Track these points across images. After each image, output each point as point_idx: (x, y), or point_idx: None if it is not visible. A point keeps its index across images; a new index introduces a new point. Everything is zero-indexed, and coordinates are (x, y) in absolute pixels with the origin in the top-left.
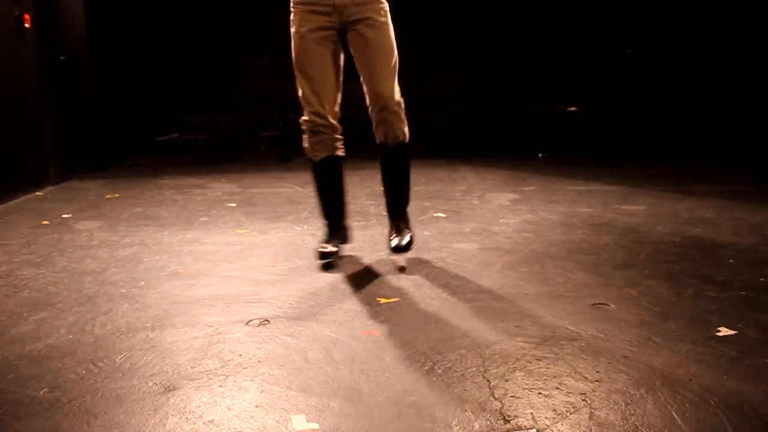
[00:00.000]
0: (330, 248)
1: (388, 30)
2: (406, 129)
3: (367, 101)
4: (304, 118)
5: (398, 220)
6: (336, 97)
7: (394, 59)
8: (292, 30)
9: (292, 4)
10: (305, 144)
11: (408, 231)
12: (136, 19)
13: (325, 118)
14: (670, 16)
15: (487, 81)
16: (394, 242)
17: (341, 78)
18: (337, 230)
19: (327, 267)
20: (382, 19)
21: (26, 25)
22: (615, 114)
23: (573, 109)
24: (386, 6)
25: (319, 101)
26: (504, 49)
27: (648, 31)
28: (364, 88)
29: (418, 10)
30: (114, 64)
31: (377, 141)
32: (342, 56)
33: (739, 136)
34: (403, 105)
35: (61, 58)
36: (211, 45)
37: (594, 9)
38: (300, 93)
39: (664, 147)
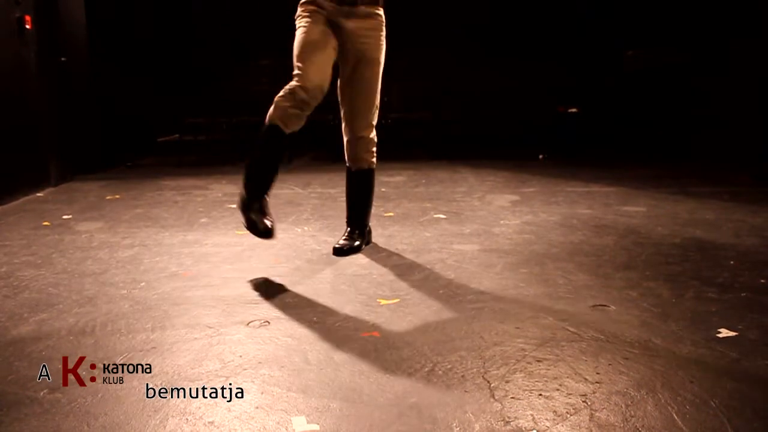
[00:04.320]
0: (268, 223)
1: (379, 73)
2: (373, 159)
3: (343, 127)
4: (295, 85)
5: (354, 227)
6: (329, 79)
7: (377, 102)
8: (299, 27)
9: (299, 13)
10: (277, 108)
11: (359, 238)
12: (137, 21)
13: (305, 90)
14: (671, 16)
15: (488, 82)
16: (338, 243)
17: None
18: (262, 201)
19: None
20: (382, 60)
21: (27, 27)
22: (615, 115)
23: (573, 110)
24: (384, 46)
25: (317, 78)
26: (504, 49)
27: (648, 31)
28: (342, 112)
29: (418, 11)
30: (114, 65)
31: (346, 163)
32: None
33: (739, 136)
34: (375, 138)
35: (62, 59)
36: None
37: (594, 10)
38: (297, 67)
39: (664, 148)
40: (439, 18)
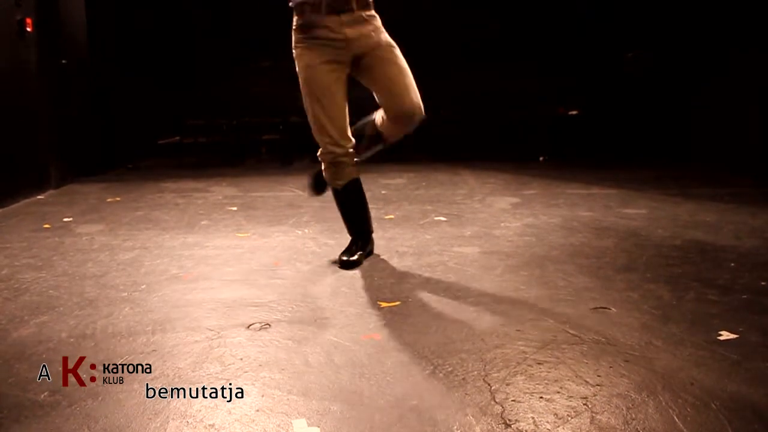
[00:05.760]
0: (356, 257)
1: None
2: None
3: (392, 112)
4: (323, 151)
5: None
6: (348, 123)
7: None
8: (302, 63)
9: (296, 40)
10: (326, 174)
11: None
12: (138, 23)
13: (345, 148)
14: (671, 17)
15: (489, 84)
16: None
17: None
18: (366, 241)
19: (349, 267)
20: (392, 42)
21: (28, 29)
22: (615, 117)
23: (574, 112)
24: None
25: (338, 132)
26: (505, 51)
27: (648, 32)
28: (389, 101)
29: (419, 12)
30: (114, 66)
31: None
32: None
33: (739, 137)
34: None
35: (63, 61)
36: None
37: (594, 10)
38: (314, 125)
39: (664, 149)
40: (439, 18)
